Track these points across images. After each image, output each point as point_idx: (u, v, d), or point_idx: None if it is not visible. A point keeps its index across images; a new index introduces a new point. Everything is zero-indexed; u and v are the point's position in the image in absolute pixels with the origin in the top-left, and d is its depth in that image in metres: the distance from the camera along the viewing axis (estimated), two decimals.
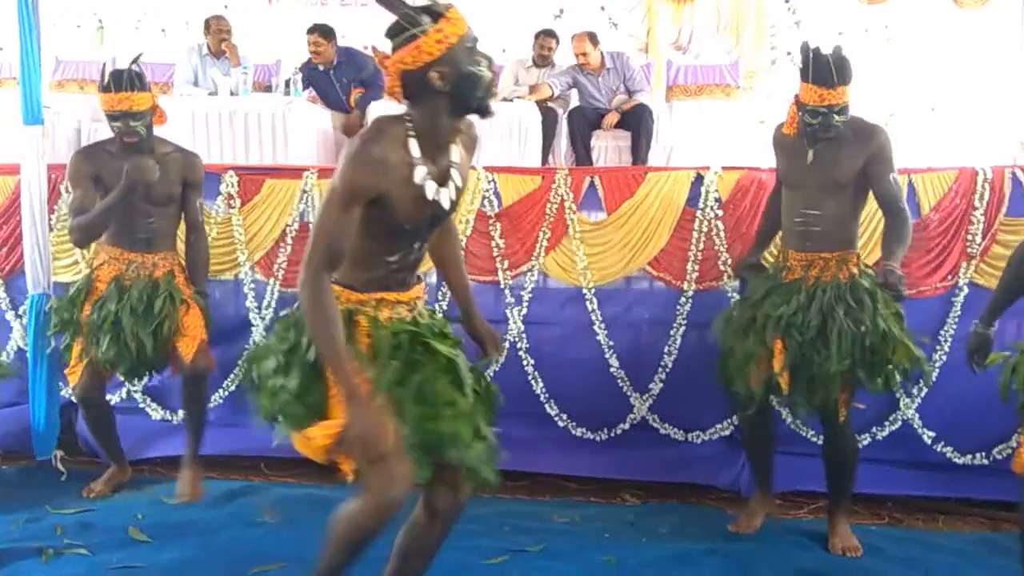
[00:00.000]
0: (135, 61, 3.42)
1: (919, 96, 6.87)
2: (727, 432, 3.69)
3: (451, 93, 2.00)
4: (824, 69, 2.96)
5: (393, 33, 2.00)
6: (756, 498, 3.41)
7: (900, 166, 3.15)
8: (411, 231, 2.11)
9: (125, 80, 3.32)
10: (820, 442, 3.43)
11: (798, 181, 3.15)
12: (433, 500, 2.20)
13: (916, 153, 3.52)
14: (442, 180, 2.09)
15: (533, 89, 6.07)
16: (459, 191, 2.15)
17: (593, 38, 6.06)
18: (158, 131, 3.51)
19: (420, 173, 2.03)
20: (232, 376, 3.92)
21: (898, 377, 3.10)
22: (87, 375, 3.45)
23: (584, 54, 5.99)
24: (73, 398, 3.63)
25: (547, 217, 3.74)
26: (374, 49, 2.12)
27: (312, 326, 1.99)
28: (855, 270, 3.09)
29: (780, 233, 3.31)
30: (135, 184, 3.26)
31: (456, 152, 2.14)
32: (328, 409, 2.05)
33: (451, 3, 2.02)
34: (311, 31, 6.11)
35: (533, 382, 3.74)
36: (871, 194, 3.10)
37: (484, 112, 2.08)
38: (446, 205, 2.11)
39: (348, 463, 2.04)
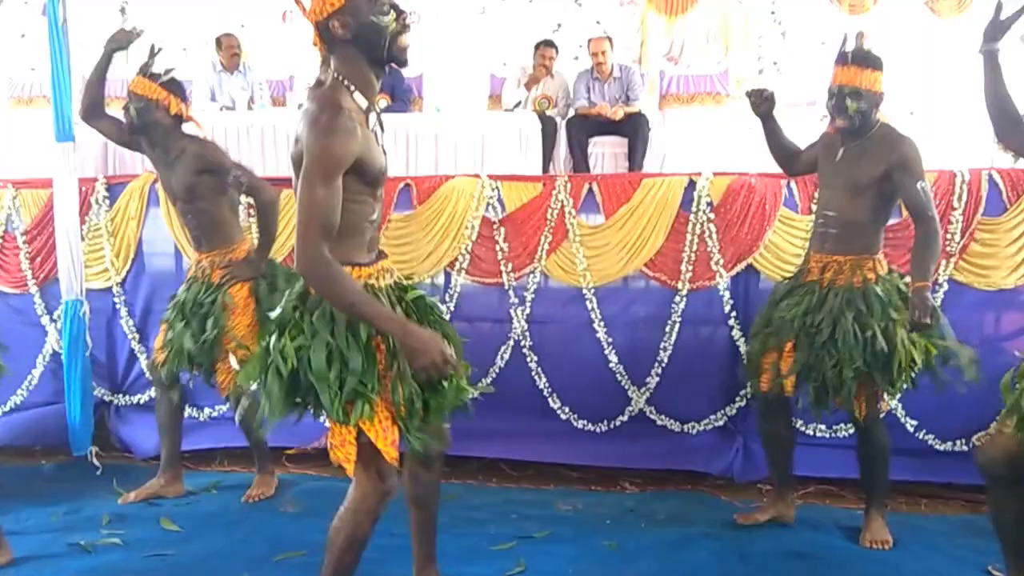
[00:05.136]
0: (152, 63, 3.31)
1: (897, 101, 6.83)
2: (720, 423, 3.69)
3: (355, 42, 1.99)
4: (842, 50, 2.91)
5: None
6: (770, 497, 3.32)
7: None
8: (379, 178, 2.08)
9: (145, 69, 3.26)
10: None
11: (826, 181, 3.05)
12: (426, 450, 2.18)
13: None
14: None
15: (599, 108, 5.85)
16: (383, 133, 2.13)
17: (610, 42, 6.05)
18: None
19: (372, 119, 2.04)
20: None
21: (913, 377, 2.95)
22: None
23: (603, 52, 5.95)
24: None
25: (548, 222, 3.73)
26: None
27: (343, 294, 1.92)
28: (871, 275, 2.92)
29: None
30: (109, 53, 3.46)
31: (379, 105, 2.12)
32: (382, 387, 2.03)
33: None
34: None
35: (537, 378, 3.74)
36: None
37: (398, 62, 2.05)
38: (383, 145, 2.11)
39: (350, 463, 2.05)
